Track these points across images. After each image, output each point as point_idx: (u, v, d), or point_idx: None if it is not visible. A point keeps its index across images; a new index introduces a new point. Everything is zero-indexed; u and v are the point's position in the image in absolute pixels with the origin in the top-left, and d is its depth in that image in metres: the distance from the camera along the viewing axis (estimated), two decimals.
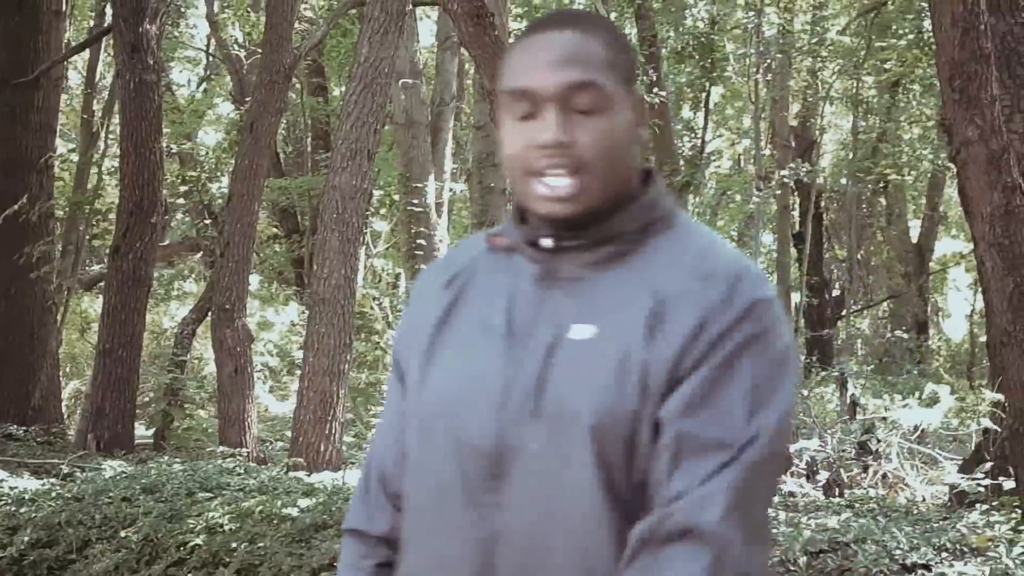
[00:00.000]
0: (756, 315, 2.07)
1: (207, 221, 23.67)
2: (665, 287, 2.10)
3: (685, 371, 2.04)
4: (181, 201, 26.94)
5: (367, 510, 2.41)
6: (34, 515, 8.65)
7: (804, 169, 20.03)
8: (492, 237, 2.33)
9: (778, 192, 22.61)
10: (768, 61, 22.17)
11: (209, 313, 14.72)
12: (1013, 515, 7.37)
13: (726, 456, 2.00)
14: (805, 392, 13.77)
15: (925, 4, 16.03)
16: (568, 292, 2.17)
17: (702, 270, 2.11)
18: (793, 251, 25.11)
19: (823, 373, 18.65)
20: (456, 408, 2.18)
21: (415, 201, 19.09)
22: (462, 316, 2.27)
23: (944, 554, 6.40)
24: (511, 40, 20.08)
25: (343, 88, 15.76)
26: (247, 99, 17.15)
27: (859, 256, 29.03)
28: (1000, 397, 8.38)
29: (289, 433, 12.97)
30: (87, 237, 20.85)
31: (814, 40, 23.54)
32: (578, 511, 2.05)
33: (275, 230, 26.45)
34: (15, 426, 14.69)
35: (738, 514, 1.99)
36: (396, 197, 21.26)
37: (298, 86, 23.53)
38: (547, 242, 2.19)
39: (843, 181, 27.37)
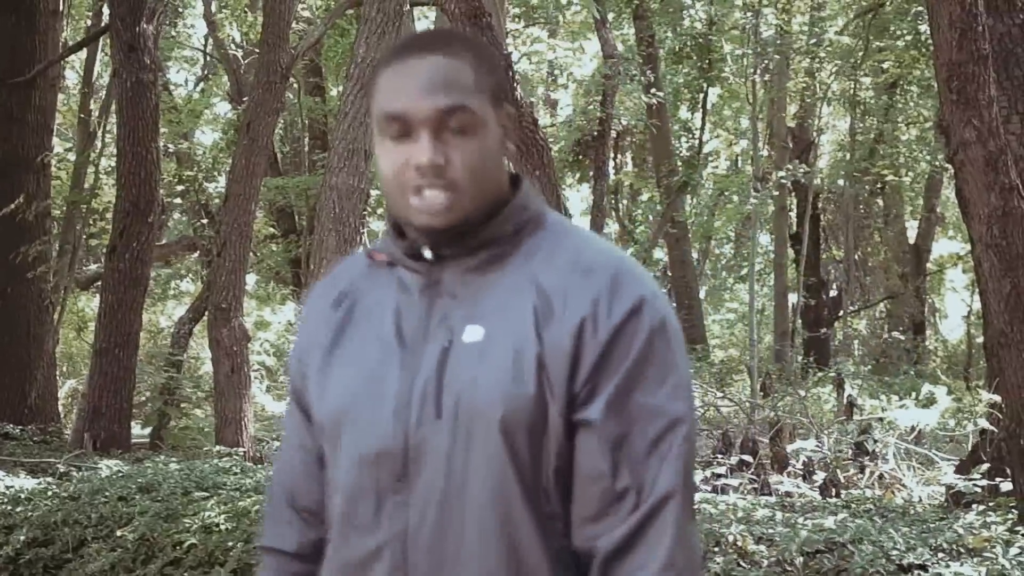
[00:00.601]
0: (649, 309, 2.21)
1: (204, 221, 23.63)
2: (547, 281, 2.24)
3: (591, 363, 2.18)
4: (178, 201, 26.92)
5: (276, 528, 2.57)
6: (30, 514, 8.65)
7: (802, 170, 20.08)
8: (371, 253, 2.47)
9: (775, 193, 22.66)
10: (766, 62, 22.18)
11: (206, 313, 14.71)
12: (1009, 516, 7.37)
13: (660, 443, 2.17)
14: (802, 392, 13.78)
15: (923, 6, 16.02)
16: (454, 298, 2.30)
17: (582, 264, 2.26)
18: (791, 252, 25.15)
19: (820, 374, 18.67)
20: (355, 417, 2.30)
21: None
22: (353, 332, 2.40)
23: (940, 555, 6.40)
24: (507, 40, 20.15)
25: (340, 88, 15.76)
26: (244, 99, 17.12)
27: (856, 257, 29.07)
28: (997, 398, 8.39)
29: None
30: (84, 236, 20.86)
31: (812, 41, 23.58)
32: (490, 502, 2.18)
33: (272, 230, 26.43)
34: (11, 425, 14.65)
35: (681, 482, 2.18)
36: None
37: (296, 86, 23.50)
38: (428, 253, 2.31)
39: (840, 182, 27.40)
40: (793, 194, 25.32)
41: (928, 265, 28.54)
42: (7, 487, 9.64)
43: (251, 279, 24.15)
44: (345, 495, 2.30)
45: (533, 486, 2.18)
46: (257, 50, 16.06)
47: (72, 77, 26.54)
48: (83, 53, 21.85)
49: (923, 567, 6.16)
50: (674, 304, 22.40)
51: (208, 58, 27.00)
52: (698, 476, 9.43)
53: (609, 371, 2.17)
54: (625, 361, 2.17)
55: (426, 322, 2.28)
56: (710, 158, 28.64)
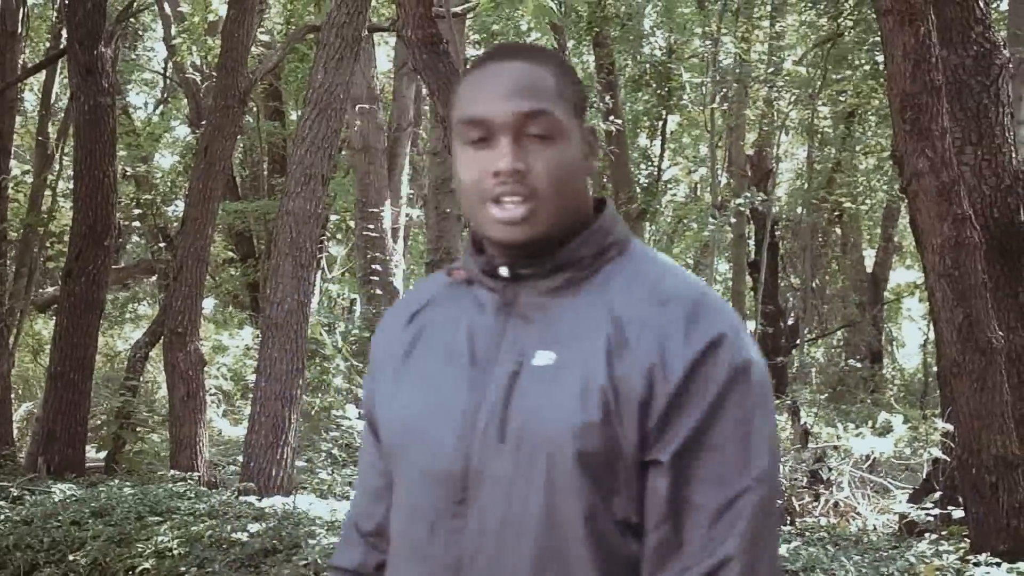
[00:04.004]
0: (728, 347, 2.10)
1: (162, 244, 23.57)
2: (623, 311, 2.14)
3: (664, 402, 2.07)
4: (136, 224, 26.82)
5: (342, 547, 2.53)
6: None
7: (760, 198, 20.11)
8: (451, 270, 2.37)
9: (734, 220, 22.70)
10: (724, 90, 22.26)
11: (162, 336, 14.66)
12: (961, 545, 7.41)
13: (730, 504, 2.05)
14: None
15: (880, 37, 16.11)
16: (528, 320, 2.21)
17: (660, 295, 2.15)
18: (748, 279, 25.19)
19: (776, 402, 18.69)
20: (420, 436, 2.22)
21: (371, 226, 19.08)
22: (425, 349, 2.31)
23: None
24: (467, 67, 20.16)
25: (300, 112, 15.76)
26: (203, 122, 17.10)
27: (814, 285, 29.15)
28: (950, 427, 8.42)
29: (242, 457, 12.93)
30: (41, 259, 20.76)
31: (770, 70, 23.67)
32: (547, 534, 2.09)
33: (231, 254, 26.34)
34: None
35: (743, 549, 2.05)
36: (352, 223, 21.23)
37: (255, 110, 23.47)
38: (504, 271, 2.23)
39: (799, 210, 27.49)
40: (751, 222, 25.37)
41: (885, 294, 28.65)
42: None
43: (209, 303, 24.10)
44: (403, 515, 2.26)
45: (595, 520, 2.09)
46: (216, 74, 16.03)
47: (30, 99, 26.46)
48: (42, 75, 21.77)
49: None
50: None
51: (168, 81, 26.94)
52: None
53: (682, 413, 2.06)
54: (700, 405, 2.06)
55: (498, 343, 2.20)
56: (669, 185, 28.72)
